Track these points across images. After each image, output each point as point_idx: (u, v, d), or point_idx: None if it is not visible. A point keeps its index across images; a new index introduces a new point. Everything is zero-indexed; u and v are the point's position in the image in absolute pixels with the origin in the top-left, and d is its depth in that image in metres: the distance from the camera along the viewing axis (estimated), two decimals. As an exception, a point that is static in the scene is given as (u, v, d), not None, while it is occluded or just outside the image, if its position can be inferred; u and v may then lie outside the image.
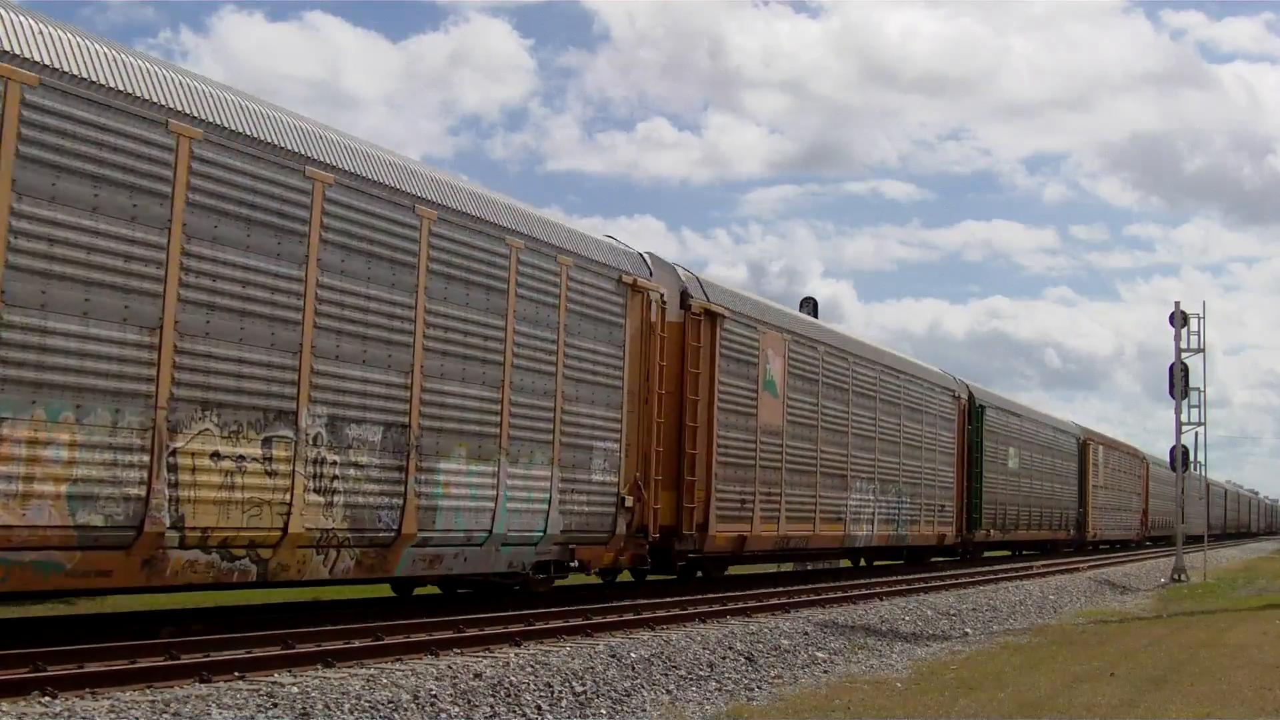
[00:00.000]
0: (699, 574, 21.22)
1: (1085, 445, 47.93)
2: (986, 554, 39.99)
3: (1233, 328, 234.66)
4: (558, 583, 17.20)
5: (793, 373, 22.61)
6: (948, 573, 28.76)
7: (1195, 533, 72.79)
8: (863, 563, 31.65)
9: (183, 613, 13.64)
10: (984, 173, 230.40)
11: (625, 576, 20.25)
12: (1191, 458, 40.62)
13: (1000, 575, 29.10)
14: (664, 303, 18.27)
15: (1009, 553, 43.48)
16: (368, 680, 9.95)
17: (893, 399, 27.99)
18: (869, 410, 26.75)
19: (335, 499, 12.30)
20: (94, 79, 10.18)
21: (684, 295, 19.16)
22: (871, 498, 26.47)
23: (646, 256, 18.79)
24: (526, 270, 15.41)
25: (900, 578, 25.80)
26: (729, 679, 12.59)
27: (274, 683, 9.62)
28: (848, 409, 25.47)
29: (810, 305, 27.88)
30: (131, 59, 10.73)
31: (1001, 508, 36.32)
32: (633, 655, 12.40)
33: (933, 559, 34.02)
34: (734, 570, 23.90)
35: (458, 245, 14.24)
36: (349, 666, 10.59)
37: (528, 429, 15.26)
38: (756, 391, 20.96)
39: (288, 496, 11.70)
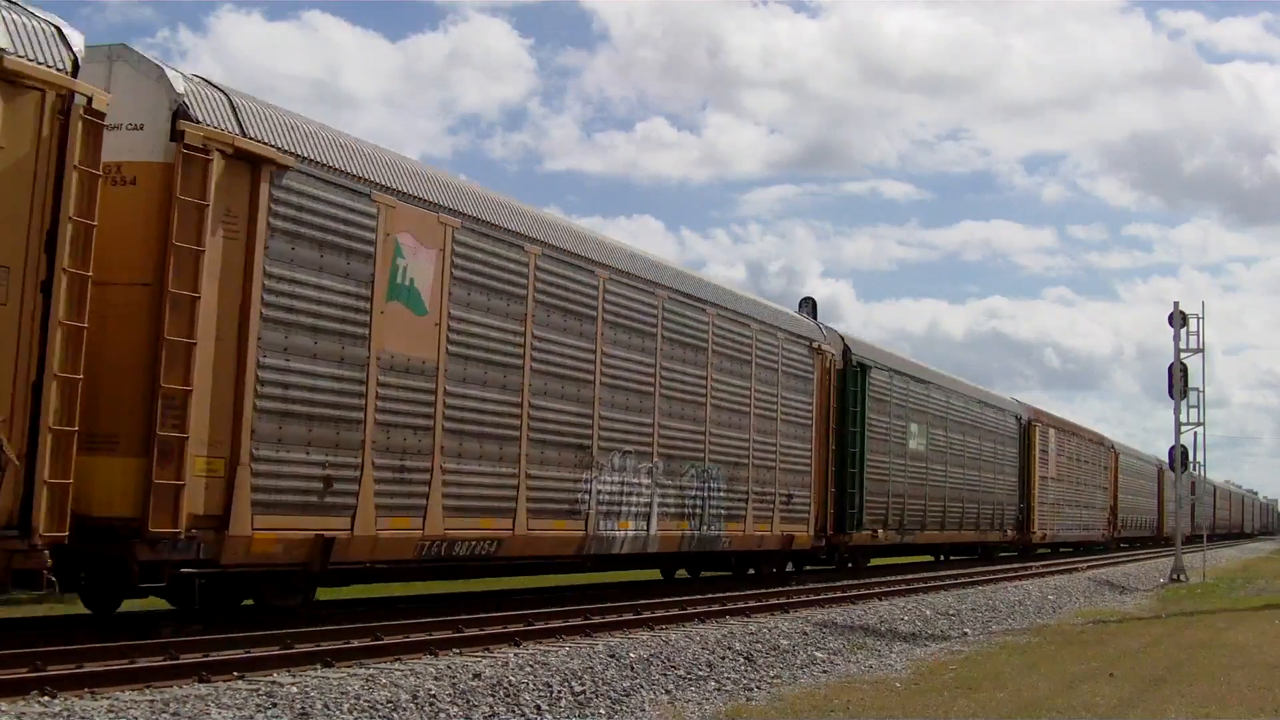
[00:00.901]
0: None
1: (1030, 427, 39.14)
2: (881, 561, 31.12)
3: (1232, 328, 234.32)
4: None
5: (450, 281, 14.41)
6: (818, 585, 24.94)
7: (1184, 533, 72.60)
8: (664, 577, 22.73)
9: (182, 613, 13.62)
10: (982, 173, 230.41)
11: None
12: (1191, 458, 40.62)
13: (1000, 575, 29.09)
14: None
15: (927, 558, 35.34)
16: (367, 680, 9.95)
17: (694, 341, 19.38)
18: (643, 353, 18.09)
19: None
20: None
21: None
22: (647, 481, 18.08)
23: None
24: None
25: (900, 578, 25.80)
26: (728, 679, 12.59)
27: (273, 682, 9.63)
28: (595, 347, 16.97)
29: (809, 305, 27.86)
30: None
31: (898, 502, 27.77)
32: (632, 655, 12.41)
33: (776, 570, 24.04)
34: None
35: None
36: (348, 666, 10.59)
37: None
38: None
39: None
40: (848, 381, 25.21)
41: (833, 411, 24.52)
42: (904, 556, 33.42)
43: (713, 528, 19.92)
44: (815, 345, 23.75)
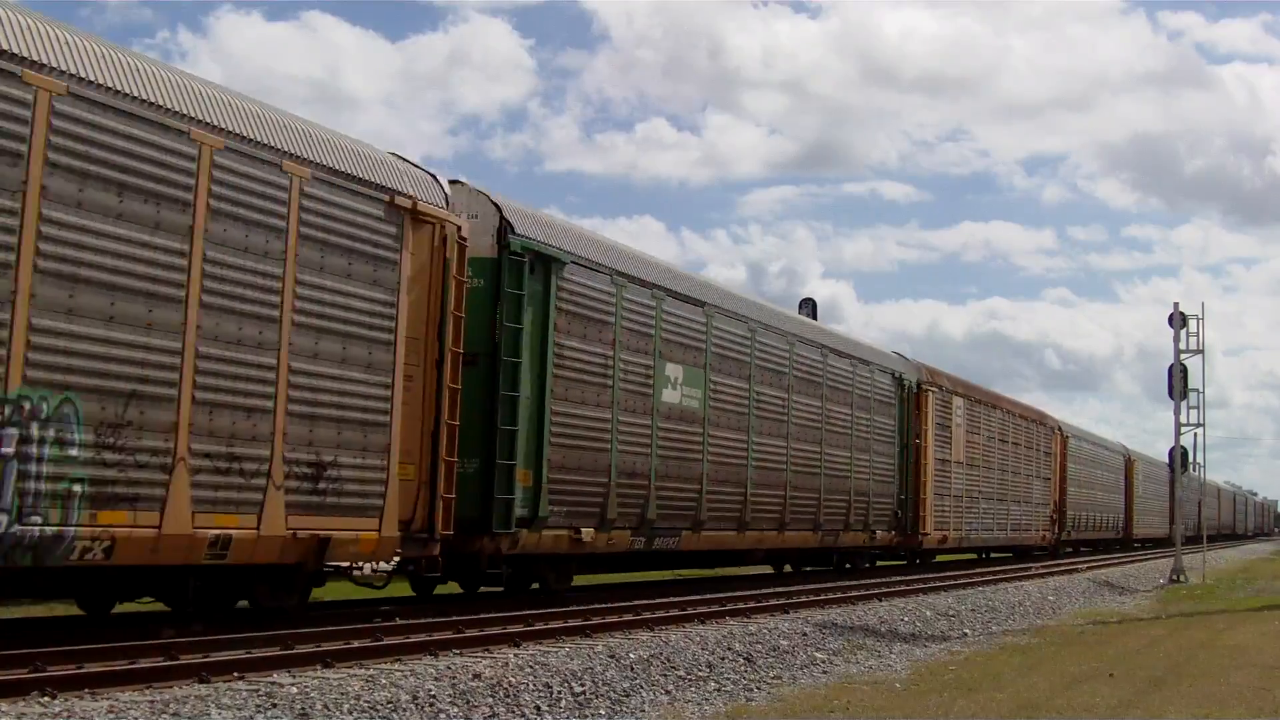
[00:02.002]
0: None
1: (921, 392, 28.75)
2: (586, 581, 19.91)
3: (1232, 329, 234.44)
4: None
5: None
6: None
7: (1157, 534, 64.24)
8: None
9: (182, 613, 13.63)
10: (982, 174, 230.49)
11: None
12: (1191, 459, 40.60)
13: (999, 576, 29.09)
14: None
15: (686, 573, 24.01)
16: (367, 680, 9.96)
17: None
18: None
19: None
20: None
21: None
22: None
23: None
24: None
25: (900, 578, 25.81)
26: (728, 680, 12.60)
27: (273, 683, 9.64)
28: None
29: (809, 306, 27.90)
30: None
31: (631, 485, 17.57)
32: (631, 656, 12.41)
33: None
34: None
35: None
36: (348, 667, 10.60)
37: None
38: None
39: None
40: (502, 276, 15.28)
41: (439, 326, 13.86)
42: (668, 570, 23.10)
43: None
44: (389, 197, 13.11)
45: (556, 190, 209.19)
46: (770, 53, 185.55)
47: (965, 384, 33.49)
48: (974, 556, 38.76)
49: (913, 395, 28.58)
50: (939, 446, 29.89)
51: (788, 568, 26.85)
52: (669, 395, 18.63)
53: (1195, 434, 38.15)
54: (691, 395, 19.29)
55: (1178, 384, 35.29)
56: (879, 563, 29.77)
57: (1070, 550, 47.55)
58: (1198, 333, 35.75)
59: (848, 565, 27.48)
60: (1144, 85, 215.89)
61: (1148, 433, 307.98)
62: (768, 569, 26.54)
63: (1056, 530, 41.73)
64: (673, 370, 18.76)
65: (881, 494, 26.72)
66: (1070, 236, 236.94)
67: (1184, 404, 36.04)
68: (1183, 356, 35.37)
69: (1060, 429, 43.37)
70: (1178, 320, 35.41)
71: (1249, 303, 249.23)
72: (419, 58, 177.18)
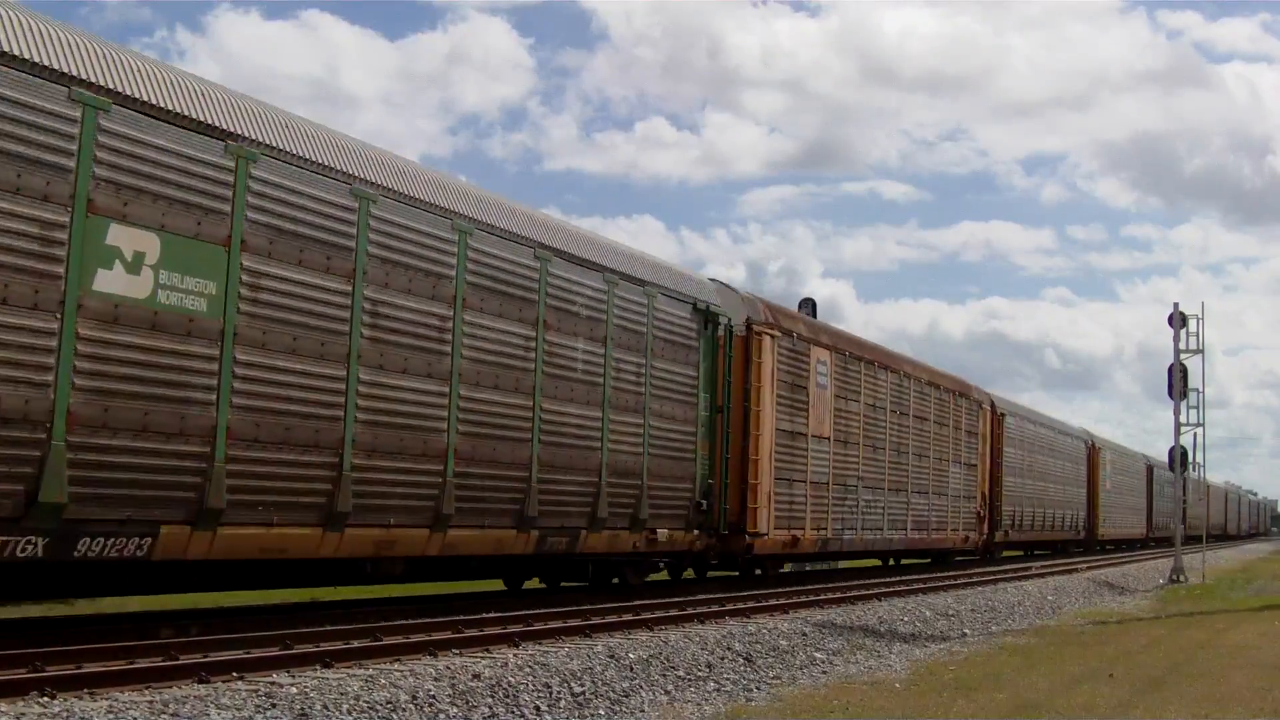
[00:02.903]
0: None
1: (752, 337, 20.89)
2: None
3: (1232, 328, 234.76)
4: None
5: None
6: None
7: (1130, 535, 57.18)
8: None
9: (181, 613, 13.64)
10: (981, 173, 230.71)
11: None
12: (1191, 459, 40.58)
13: (999, 576, 29.08)
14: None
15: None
16: (366, 680, 9.95)
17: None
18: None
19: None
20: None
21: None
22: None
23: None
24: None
25: (900, 578, 25.81)
26: (727, 680, 12.60)
27: (272, 683, 9.63)
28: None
29: (809, 306, 27.87)
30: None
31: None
32: (631, 656, 12.41)
33: None
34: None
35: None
36: (347, 667, 10.60)
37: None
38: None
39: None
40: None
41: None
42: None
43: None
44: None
45: (556, 190, 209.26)
46: (770, 52, 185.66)
47: (838, 334, 24.87)
48: (877, 563, 31.28)
49: (734, 339, 20.23)
50: (786, 414, 21.64)
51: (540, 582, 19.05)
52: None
53: (1195, 434, 38.18)
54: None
55: (1177, 384, 35.28)
56: (684, 575, 21.30)
57: (1019, 554, 42.76)
58: (1197, 332, 35.77)
59: (615, 580, 19.21)
60: (1143, 84, 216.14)
61: (1148, 432, 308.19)
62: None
63: (986, 530, 33.52)
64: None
65: (669, 476, 18.39)
66: (1070, 236, 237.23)
67: (1184, 404, 36.07)
68: (1182, 356, 35.38)
69: (993, 404, 35.12)
70: (1177, 320, 35.40)
71: (1249, 302, 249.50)
72: (418, 56, 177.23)
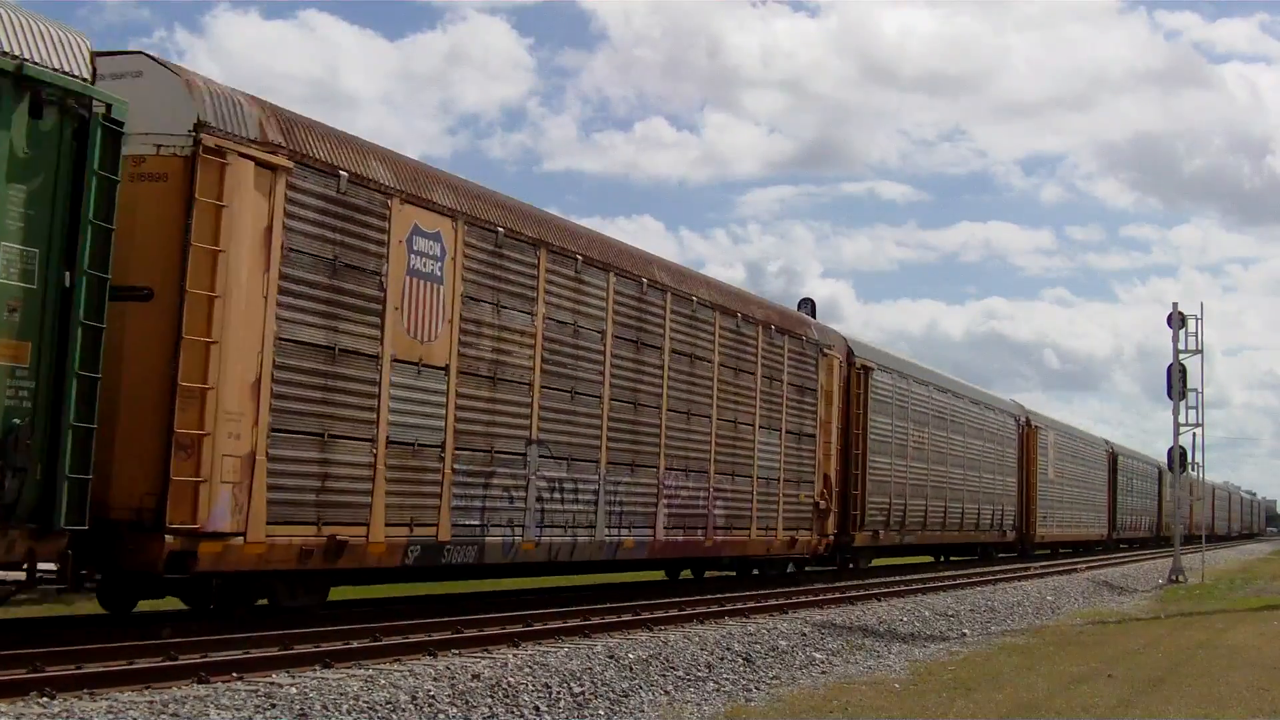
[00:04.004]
0: None
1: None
2: None
3: (1231, 329, 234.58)
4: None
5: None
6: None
7: (1087, 536, 47.77)
8: None
9: (181, 613, 13.64)
10: (980, 174, 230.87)
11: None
12: (1190, 459, 40.59)
13: (999, 576, 29.07)
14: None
15: None
16: (366, 681, 9.96)
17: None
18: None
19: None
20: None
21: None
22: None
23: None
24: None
25: (900, 578, 25.79)
26: (727, 680, 12.61)
27: (272, 683, 9.63)
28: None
29: (809, 306, 27.86)
30: None
31: None
32: (630, 656, 12.42)
33: None
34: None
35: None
36: (347, 667, 10.60)
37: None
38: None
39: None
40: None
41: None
42: None
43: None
44: None
45: (555, 190, 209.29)
46: (769, 52, 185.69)
47: (471, 190, 14.66)
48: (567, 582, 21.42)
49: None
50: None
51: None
52: None
53: (1194, 434, 38.11)
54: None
55: (1176, 384, 35.28)
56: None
57: (916, 561, 33.88)
58: (1196, 332, 35.77)
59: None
60: (1143, 84, 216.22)
61: (1147, 433, 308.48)
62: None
63: (831, 529, 23.95)
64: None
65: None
66: (1069, 236, 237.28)
67: (1183, 404, 36.05)
68: (1181, 356, 35.38)
69: (850, 351, 25.42)
70: (1176, 320, 35.40)
71: (1248, 302, 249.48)
72: (418, 57, 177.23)
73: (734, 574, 23.39)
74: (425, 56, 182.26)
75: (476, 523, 14.08)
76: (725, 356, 19.98)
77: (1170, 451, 37.80)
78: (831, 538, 24.06)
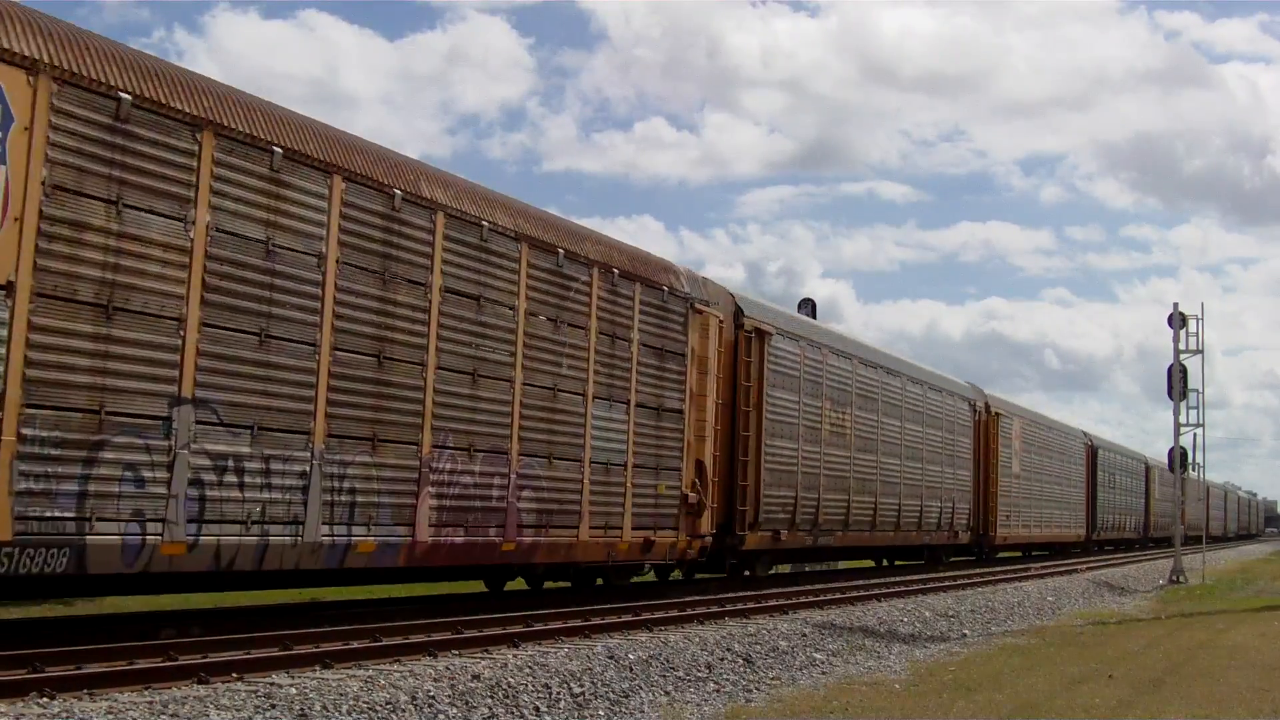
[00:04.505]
0: None
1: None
2: None
3: (1231, 329, 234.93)
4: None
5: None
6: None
7: (1063, 538, 43.39)
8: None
9: (181, 614, 13.64)
10: (980, 174, 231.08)
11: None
12: (1191, 459, 40.60)
13: (999, 577, 29.07)
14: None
15: None
16: (366, 681, 9.96)
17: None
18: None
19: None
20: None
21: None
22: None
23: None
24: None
25: (899, 579, 25.79)
26: (727, 680, 12.60)
27: (272, 684, 9.63)
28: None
29: (809, 306, 27.88)
30: None
31: None
32: (631, 657, 12.41)
33: None
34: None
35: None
36: (347, 667, 10.60)
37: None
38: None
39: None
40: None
41: None
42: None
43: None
44: None
45: (555, 190, 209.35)
46: (769, 52, 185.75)
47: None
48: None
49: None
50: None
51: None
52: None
53: (1195, 434, 38.12)
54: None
55: (1177, 384, 35.27)
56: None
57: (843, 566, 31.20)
58: (1197, 333, 35.74)
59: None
60: (1143, 84, 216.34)
61: (1147, 433, 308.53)
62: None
63: (707, 528, 18.98)
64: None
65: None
66: (1068, 237, 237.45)
67: (1183, 404, 36.03)
68: (1182, 357, 35.36)
69: (740, 315, 20.79)
70: (1177, 320, 35.39)
71: (1248, 303, 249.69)
72: (417, 57, 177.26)
73: (568, 585, 18.52)
74: (425, 56, 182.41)
75: (68, 514, 9.75)
76: (539, 304, 15.26)
77: (1171, 452, 37.79)
78: (709, 539, 19.14)
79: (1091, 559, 43.04)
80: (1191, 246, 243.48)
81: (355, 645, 11.51)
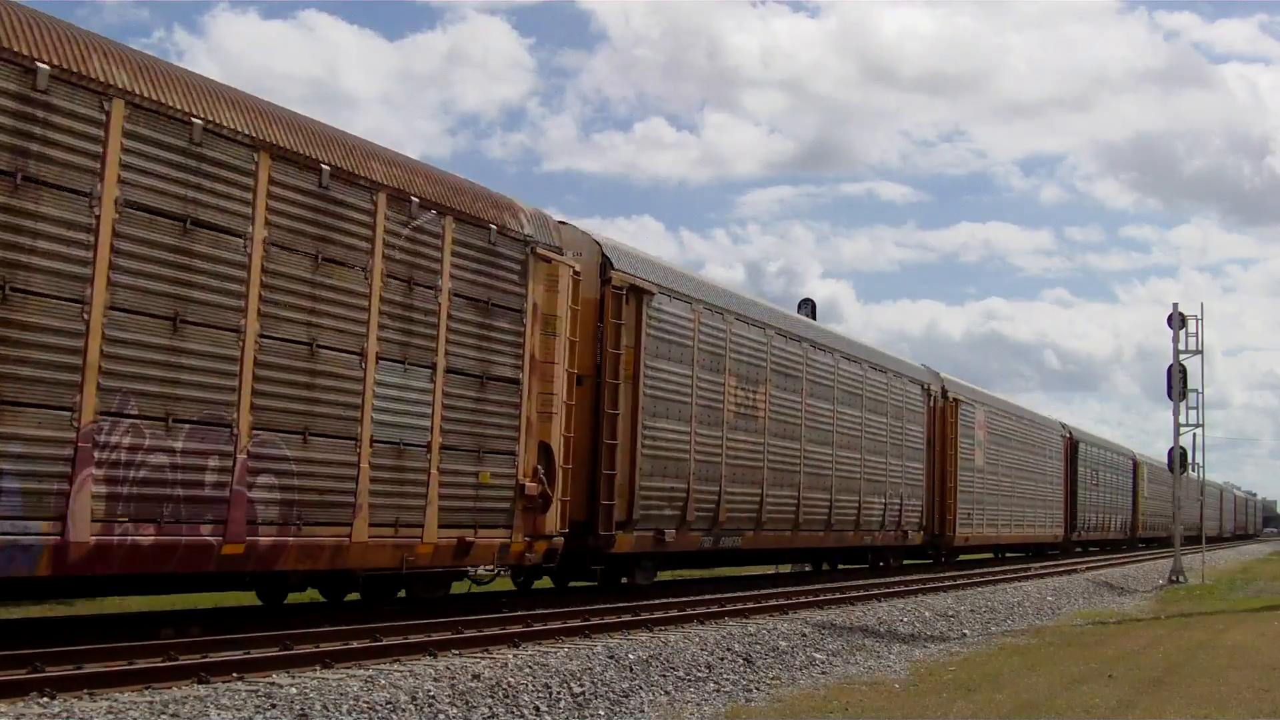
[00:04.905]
0: None
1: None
2: None
3: (1231, 329, 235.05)
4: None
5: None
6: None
7: (1023, 538, 38.70)
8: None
9: (181, 614, 13.64)
10: (979, 174, 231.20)
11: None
12: (1191, 459, 40.60)
13: (999, 577, 29.06)
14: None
15: None
16: (366, 681, 9.96)
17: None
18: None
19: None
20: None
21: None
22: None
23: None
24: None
25: (899, 579, 25.79)
26: (727, 680, 12.61)
27: (272, 683, 9.64)
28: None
29: (809, 306, 27.89)
30: None
31: None
32: (631, 656, 12.41)
33: None
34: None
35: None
36: (347, 667, 10.60)
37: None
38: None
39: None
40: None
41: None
42: None
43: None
44: None
45: (555, 190, 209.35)
46: (769, 52, 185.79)
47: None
48: None
49: None
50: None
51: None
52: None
53: (1194, 434, 38.13)
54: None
55: (1177, 384, 35.28)
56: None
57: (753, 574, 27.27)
58: (1197, 333, 35.75)
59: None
60: (1143, 84, 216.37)
61: (1147, 433, 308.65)
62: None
63: (555, 526, 15.54)
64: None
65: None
66: (1068, 237, 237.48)
67: (1183, 404, 36.05)
68: (1182, 357, 35.37)
69: (608, 267, 17.19)
70: (1176, 320, 35.40)
71: (1248, 303, 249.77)
72: (417, 57, 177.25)
73: (324, 602, 15.10)
74: (425, 56, 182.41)
75: None
76: (289, 233, 11.91)
77: (1171, 452, 37.79)
78: (558, 539, 15.59)
79: (1073, 560, 41.32)
80: (1191, 247, 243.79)
81: (355, 645, 11.51)
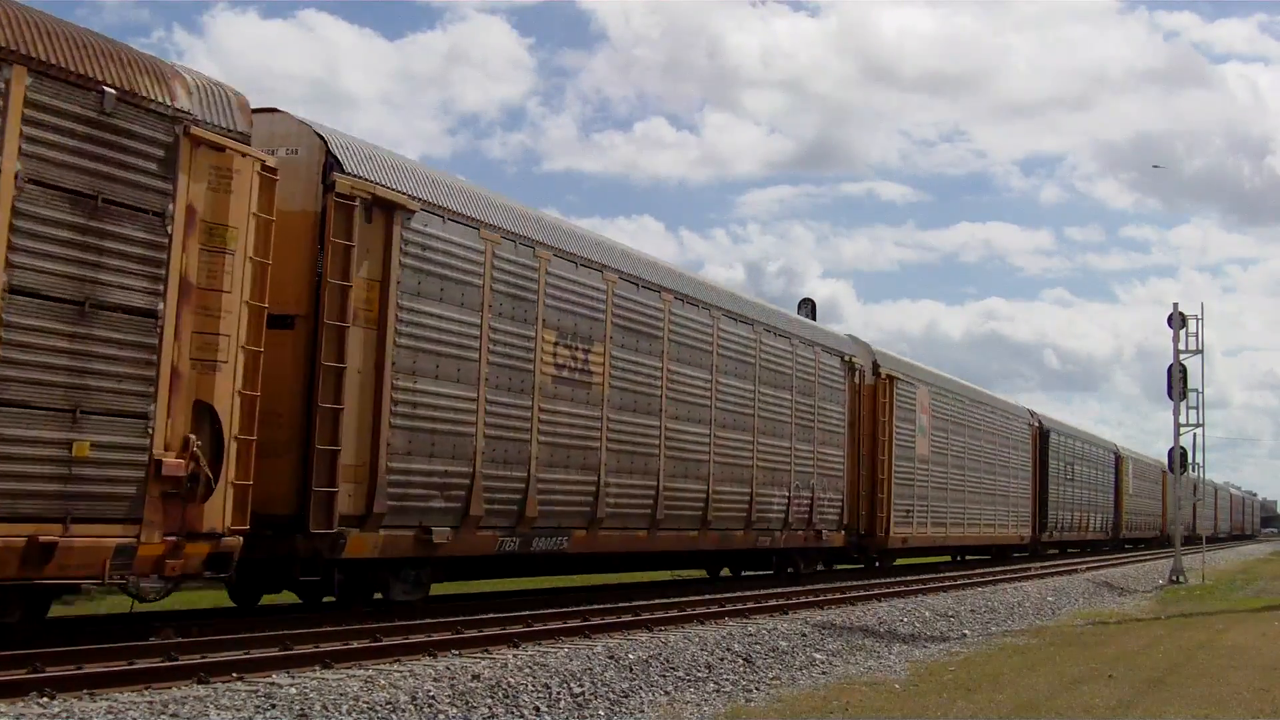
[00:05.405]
0: None
1: None
2: None
3: (1231, 329, 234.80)
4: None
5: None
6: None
7: (989, 538, 35.02)
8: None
9: (181, 614, 13.64)
10: (979, 174, 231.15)
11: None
12: (1191, 459, 40.58)
13: (999, 577, 29.06)
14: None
15: None
16: (366, 681, 9.95)
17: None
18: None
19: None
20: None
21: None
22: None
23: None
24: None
25: (899, 579, 25.79)
26: (727, 680, 12.60)
27: (272, 684, 9.63)
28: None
29: (809, 306, 27.87)
30: None
31: None
32: (631, 656, 12.41)
33: None
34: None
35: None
36: (347, 667, 10.60)
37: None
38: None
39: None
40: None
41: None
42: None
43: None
44: None
45: (555, 190, 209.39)
46: (769, 52, 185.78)
47: None
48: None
49: None
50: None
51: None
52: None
53: (1194, 434, 38.10)
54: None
55: (1177, 384, 35.28)
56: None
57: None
58: (1197, 333, 35.75)
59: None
60: (1143, 84, 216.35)
61: (1147, 433, 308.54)
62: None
63: (223, 522, 11.04)
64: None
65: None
66: (1068, 237, 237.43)
67: (1183, 404, 36.04)
68: (1182, 357, 35.37)
69: (330, 158, 12.92)
70: (1177, 320, 35.39)
71: (1248, 303, 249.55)
72: (417, 56, 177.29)
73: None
74: (425, 56, 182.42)
75: None
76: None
77: (1171, 452, 37.78)
78: (233, 539, 11.20)
79: (1073, 560, 39.29)
80: (1191, 247, 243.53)
81: (355, 645, 11.51)
